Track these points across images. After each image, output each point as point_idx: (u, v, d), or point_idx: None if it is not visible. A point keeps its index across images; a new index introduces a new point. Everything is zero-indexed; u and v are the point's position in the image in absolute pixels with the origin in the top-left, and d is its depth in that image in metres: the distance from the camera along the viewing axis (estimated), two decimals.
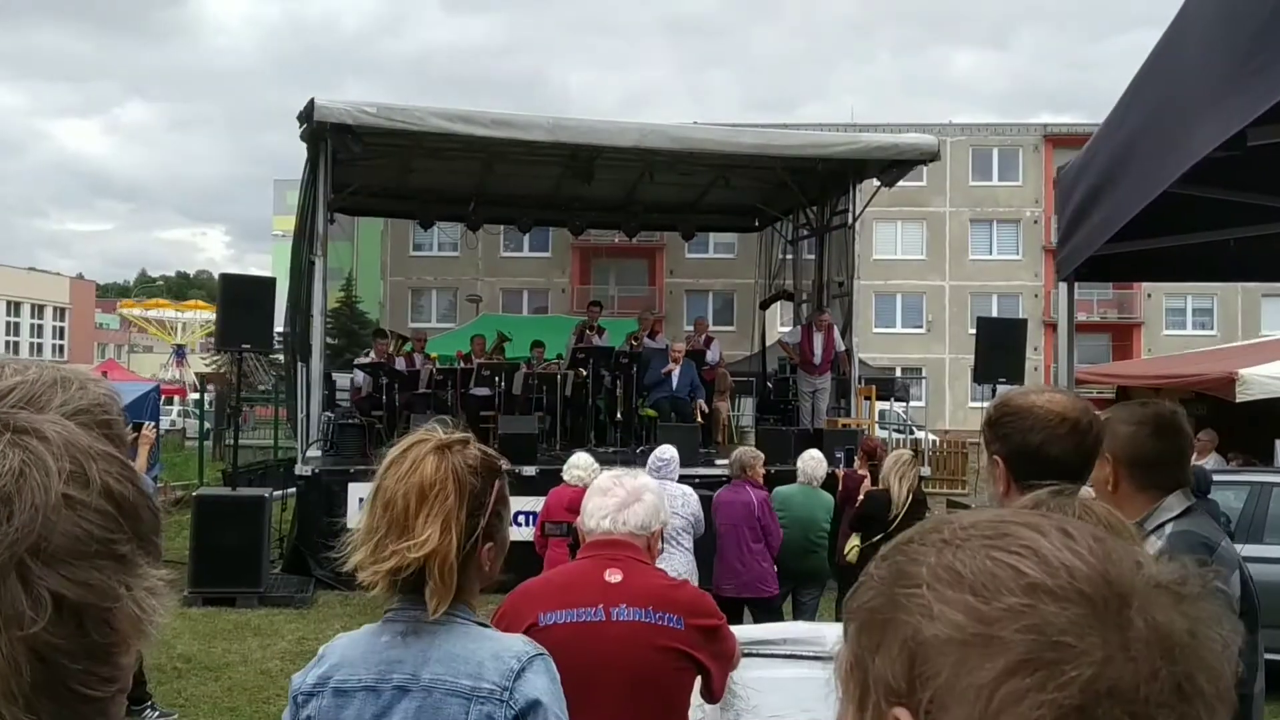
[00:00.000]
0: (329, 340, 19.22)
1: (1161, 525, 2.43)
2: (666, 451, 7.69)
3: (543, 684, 1.89)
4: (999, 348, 12.60)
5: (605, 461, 7.52)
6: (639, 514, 2.71)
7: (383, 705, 1.87)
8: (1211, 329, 40.69)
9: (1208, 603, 0.63)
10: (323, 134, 12.00)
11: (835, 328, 14.76)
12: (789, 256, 17.73)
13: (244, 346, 11.64)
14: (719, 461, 12.59)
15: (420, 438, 1.95)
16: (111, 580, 0.68)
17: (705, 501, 9.56)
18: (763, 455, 8.26)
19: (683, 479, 9.71)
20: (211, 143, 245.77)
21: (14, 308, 52.66)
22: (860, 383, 15.46)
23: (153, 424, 8.49)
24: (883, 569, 0.68)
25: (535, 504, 8.55)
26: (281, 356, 16.67)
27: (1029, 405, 2.19)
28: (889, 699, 0.64)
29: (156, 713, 6.87)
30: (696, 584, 7.24)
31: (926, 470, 14.56)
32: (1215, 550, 2.35)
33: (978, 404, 23.08)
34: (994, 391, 12.27)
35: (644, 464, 7.27)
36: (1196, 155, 2.03)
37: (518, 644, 1.96)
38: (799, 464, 8.60)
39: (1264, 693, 2.41)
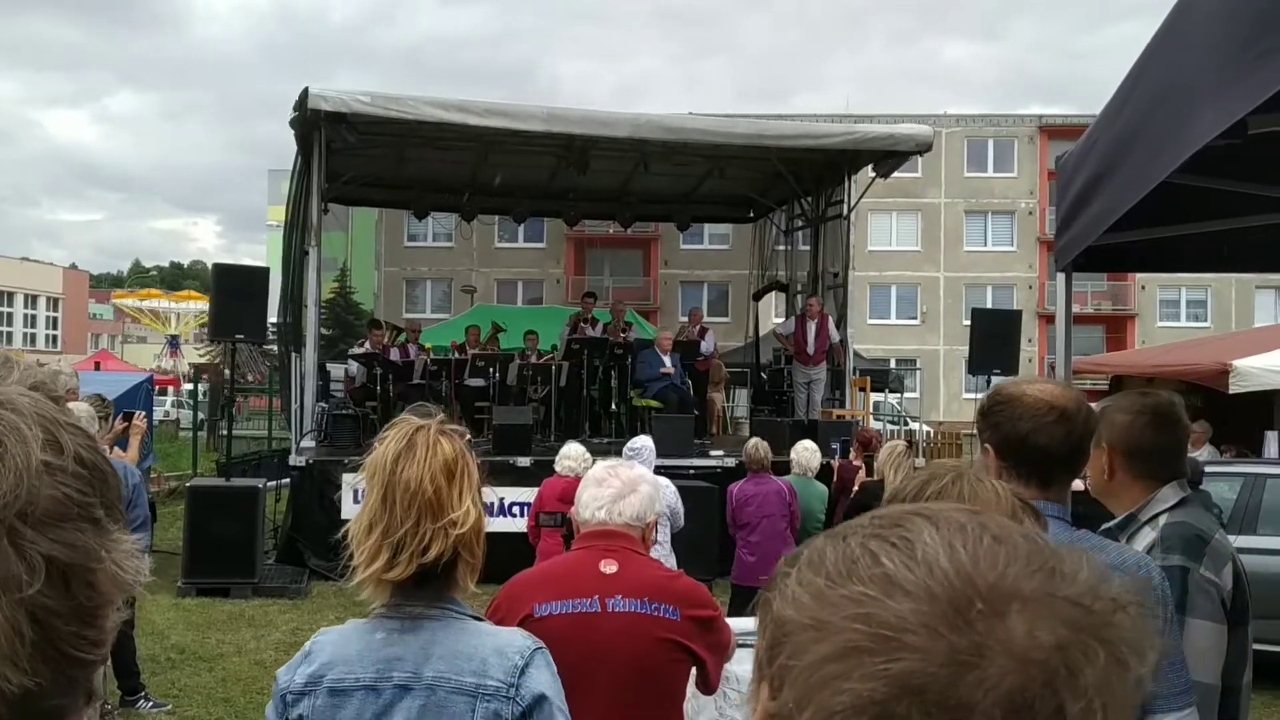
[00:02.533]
0: (323, 331, 19.16)
1: (1156, 516, 2.43)
2: (639, 441, 7.68)
3: (546, 678, 1.88)
4: (993, 339, 12.62)
5: (599, 452, 7.50)
6: (635, 505, 2.69)
7: (383, 704, 1.83)
8: (1205, 321, 40.79)
9: (1118, 621, 0.59)
10: (317, 123, 11.96)
11: (830, 318, 14.76)
12: (784, 247, 17.72)
13: (238, 337, 11.60)
14: (713, 452, 12.60)
15: (417, 424, 1.92)
16: (93, 542, 0.69)
17: (703, 493, 9.60)
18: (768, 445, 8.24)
19: (677, 470, 9.72)
20: (203, 132, 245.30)
21: (7, 298, 52.47)
22: (855, 374, 15.48)
23: (142, 413, 8.44)
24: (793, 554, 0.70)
25: (529, 494, 8.54)
26: (275, 347, 16.64)
27: (1019, 394, 2.19)
28: (759, 672, 0.66)
29: (150, 703, 6.85)
30: None
31: (921, 461, 14.57)
32: (1209, 542, 2.35)
33: (972, 395, 23.11)
34: (988, 383, 12.29)
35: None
36: (1196, 144, 2.01)
37: (518, 638, 1.94)
38: (793, 455, 8.59)
39: (1251, 684, 2.41)
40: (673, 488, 7.18)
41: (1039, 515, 1.78)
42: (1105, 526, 2.50)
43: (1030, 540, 0.63)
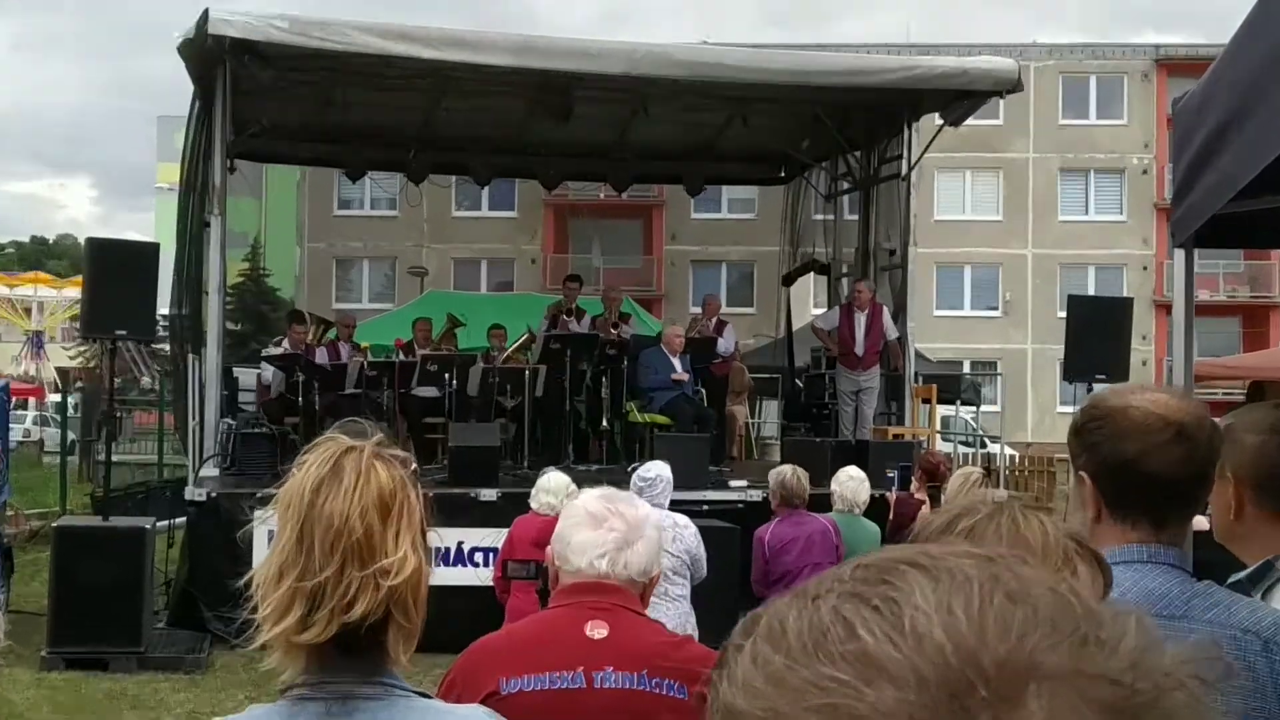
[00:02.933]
0: (229, 325, 19.20)
1: None
2: (653, 469, 7.57)
3: None
4: (1097, 335, 12.62)
5: (587, 483, 7.47)
6: (643, 555, 2.68)
7: None
8: None
9: (1168, 703, 0.58)
10: (220, 55, 11.96)
11: (885, 308, 14.78)
12: (824, 217, 17.74)
13: (119, 333, 11.61)
14: (734, 482, 12.58)
15: (346, 444, 1.92)
16: None
17: (722, 535, 9.59)
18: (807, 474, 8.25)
19: (688, 506, 9.70)
20: (70, 69, 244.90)
21: None
22: (917, 381, 15.50)
23: None
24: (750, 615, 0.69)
25: (496, 537, 8.55)
26: (167, 346, 16.66)
27: (1123, 407, 2.18)
28: None
29: None
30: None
31: (1003, 494, 14.58)
32: None
33: (1068, 408, 23.09)
34: (1089, 391, 12.30)
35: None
36: None
37: (480, 715, 1.95)
38: (835, 486, 8.60)
39: None
40: (693, 529, 7.16)
41: (1101, 562, 1.79)
42: (1235, 578, 2.50)
43: (1060, 597, 0.61)
